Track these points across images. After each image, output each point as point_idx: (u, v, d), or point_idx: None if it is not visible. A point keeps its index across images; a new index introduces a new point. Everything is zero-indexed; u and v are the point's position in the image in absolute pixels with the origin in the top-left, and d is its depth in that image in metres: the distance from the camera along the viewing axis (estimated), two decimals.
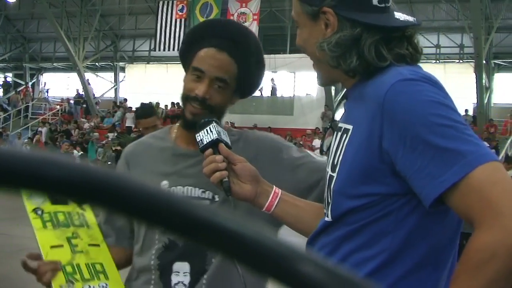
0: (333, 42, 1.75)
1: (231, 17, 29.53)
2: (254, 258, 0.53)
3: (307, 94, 31.49)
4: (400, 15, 1.79)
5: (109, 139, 28.16)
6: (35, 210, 2.26)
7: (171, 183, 2.28)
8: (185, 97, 2.25)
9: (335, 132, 1.83)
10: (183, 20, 31.04)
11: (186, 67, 2.32)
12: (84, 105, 36.77)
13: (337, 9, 1.75)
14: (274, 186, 2.06)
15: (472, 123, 25.35)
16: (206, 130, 2.06)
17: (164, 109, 33.34)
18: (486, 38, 27.09)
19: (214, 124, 2.08)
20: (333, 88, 30.16)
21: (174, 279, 2.23)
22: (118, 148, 24.95)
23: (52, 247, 2.23)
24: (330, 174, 1.76)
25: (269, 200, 2.03)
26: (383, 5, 1.77)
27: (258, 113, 29.86)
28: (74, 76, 36.91)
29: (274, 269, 0.52)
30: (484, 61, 26.77)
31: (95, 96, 37.34)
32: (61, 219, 2.29)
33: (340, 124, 1.82)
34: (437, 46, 30.46)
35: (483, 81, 26.97)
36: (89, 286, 2.22)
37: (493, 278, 1.39)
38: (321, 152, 2.10)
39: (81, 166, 0.51)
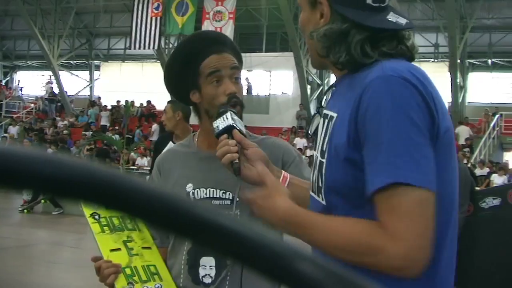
0: (321, 33, 1.83)
1: (207, 16, 29.55)
2: (253, 257, 0.53)
3: (282, 93, 31.52)
4: (393, 17, 1.84)
5: (86, 137, 28.01)
6: (92, 215, 2.42)
7: (195, 185, 2.45)
8: (221, 105, 2.36)
9: (322, 119, 1.90)
10: (158, 18, 30.90)
11: (191, 83, 2.47)
12: (59, 104, 36.50)
13: (332, 2, 1.83)
14: (283, 171, 2.21)
15: None
16: (222, 117, 2.20)
17: (139, 107, 33.20)
18: (460, 38, 27.33)
19: (230, 112, 2.23)
20: (308, 87, 30.26)
21: (202, 272, 2.40)
22: (93, 147, 24.84)
23: (111, 250, 2.39)
24: (320, 160, 1.83)
25: None
26: (377, 4, 1.83)
27: None
28: (47, 74, 36.64)
29: (273, 268, 0.53)
30: (458, 61, 27.01)
31: (68, 94, 37.07)
32: (116, 223, 2.44)
33: (325, 111, 1.89)
34: None
35: (458, 80, 27.20)
36: (147, 287, 2.36)
37: (350, 261, 1.62)
38: (307, 135, 2.18)
39: (83, 166, 0.52)
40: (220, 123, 2.19)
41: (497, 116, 27.39)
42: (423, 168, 1.60)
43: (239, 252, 0.53)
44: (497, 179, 20.58)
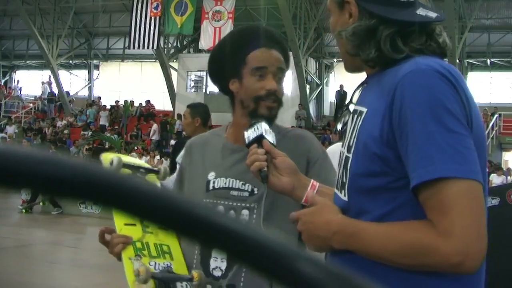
0: (350, 31, 1.84)
1: (206, 15, 29.56)
2: (254, 257, 0.53)
3: None
4: (422, 11, 1.85)
5: (85, 137, 28.00)
6: None
7: (217, 174, 2.49)
8: (258, 97, 2.41)
9: (351, 115, 1.91)
10: (157, 18, 30.91)
11: (234, 71, 2.47)
12: (58, 103, 36.48)
13: (359, 0, 1.86)
14: (312, 180, 2.18)
15: None
16: (254, 128, 2.24)
17: (138, 107, 33.20)
18: (459, 38, 27.37)
19: (262, 123, 2.25)
20: (307, 87, 30.27)
21: (213, 264, 2.41)
22: (92, 147, 24.82)
23: (125, 224, 2.43)
24: (346, 155, 1.84)
25: (307, 192, 2.12)
26: (405, 0, 1.85)
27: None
28: (46, 74, 36.64)
29: (274, 268, 0.53)
30: (457, 60, 27.01)
31: (69, 93, 37.06)
32: None
33: (355, 107, 1.90)
34: None
35: None
36: (155, 263, 2.38)
37: (408, 265, 1.63)
38: (335, 132, 2.21)
39: (84, 167, 0.52)
40: (251, 133, 2.23)
41: (496, 116, 27.40)
42: (468, 159, 1.59)
43: (240, 251, 0.53)
44: (496, 179, 20.60)
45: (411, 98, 1.63)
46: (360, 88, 1.99)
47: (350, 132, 1.84)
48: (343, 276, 0.53)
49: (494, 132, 26.90)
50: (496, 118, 27.29)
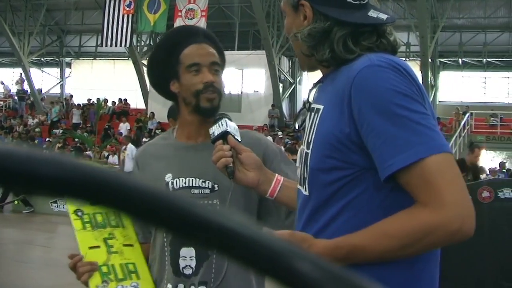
0: (305, 33, 1.91)
1: (179, 13, 29.41)
2: (251, 256, 0.53)
3: (254, 91, 31.47)
4: (374, 12, 1.93)
5: (56, 135, 27.79)
6: (76, 212, 2.46)
7: (174, 175, 2.50)
8: (197, 92, 2.46)
9: (309, 113, 1.98)
10: (130, 15, 30.72)
11: (172, 72, 2.53)
12: (29, 101, 36.14)
13: (313, 3, 1.93)
14: (276, 174, 2.28)
15: None
16: (218, 124, 2.30)
17: (111, 106, 33.00)
18: (431, 37, 27.52)
19: (226, 119, 2.32)
20: (281, 85, 30.29)
21: (182, 263, 2.44)
22: (63, 145, 24.61)
23: (90, 248, 2.43)
24: (305, 152, 1.90)
25: (271, 187, 2.25)
26: (357, 2, 1.92)
27: None
28: (18, 71, 36.29)
29: (272, 267, 0.53)
30: (429, 60, 27.19)
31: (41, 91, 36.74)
32: (99, 220, 2.48)
33: (312, 105, 1.97)
34: None
35: (429, 79, 27.38)
36: (122, 286, 2.40)
37: (414, 251, 1.69)
38: (294, 130, 2.29)
39: (81, 166, 0.52)
40: (216, 129, 2.29)
41: (467, 115, 27.62)
42: (438, 135, 1.69)
43: (236, 251, 0.53)
44: None
45: (369, 91, 1.71)
46: (316, 87, 2.06)
47: (309, 129, 1.92)
48: (341, 275, 0.53)
49: (465, 130, 27.10)
50: (467, 117, 27.50)
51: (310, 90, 2.08)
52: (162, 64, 2.56)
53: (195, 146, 2.50)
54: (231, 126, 2.31)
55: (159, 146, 2.64)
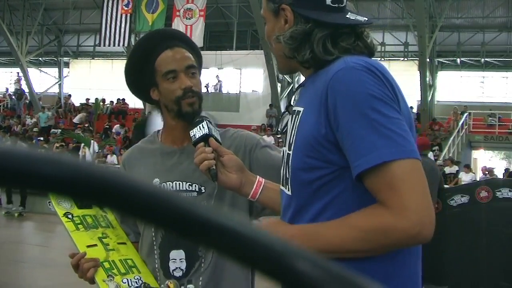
0: (287, 35, 1.97)
1: (177, 13, 29.41)
2: (251, 256, 0.53)
3: (253, 90, 31.49)
4: (352, 15, 1.99)
5: (55, 135, 27.74)
6: (65, 215, 2.50)
7: (162, 180, 2.51)
8: (177, 98, 2.47)
9: (291, 115, 2.03)
10: (128, 15, 30.74)
11: (149, 80, 2.54)
12: (27, 101, 36.09)
13: (294, 7, 1.99)
14: (258, 176, 2.32)
15: (416, 121, 25.65)
16: (199, 126, 2.33)
17: (109, 105, 32.97)
18: (430, 37, 27.54)
19: (206, 121, 2.35)
20: (279, 85, 30.29)
21: (172, 265, 2.46)
22: (62, 145, 24.59)
23: (88, 246, 2.46)
24: (287, 153, 1.95)
25: (253, 189, 2.29)
26: (336, 5, 1.99)
27: (203, 109, 29.52)
28: (15, 71, 36.23)
29: (271, 266, 0.53)
30: (428, 59, 27.18)
31: (37, 91, 36.69)
32: (90, 222, 2.52)
33: (294, 108, 2.02)
34: (382, 44, 30.73)
35: (427, 79, 27.38)
36: (127, 280, 2.44)
37: (371, 249, 1.74)
38: (277, 133, 2.32)
39: (82, 165, 0.52)
40: (197, 132, 2.31)
41: (465, 114, 27.63)
42: (406, 140, 1.72)
43: (237, 251, 0.53)
44: (465, 177, 20.79)
45: (343, 93, 1.76)
46: (298, 91, 2.12)
47: (290, 131, 1.96)
48: (342, 275, 0.53)
49: (463, 130, 27.13)
50: (465, 117, 27.51)
51: (293, 94, 2.15)
52: (139, 73, 2.57)
53: (181, 149, 2.53)
54: (212, 128, 2.34)
55: (146, 151, 2.65)
